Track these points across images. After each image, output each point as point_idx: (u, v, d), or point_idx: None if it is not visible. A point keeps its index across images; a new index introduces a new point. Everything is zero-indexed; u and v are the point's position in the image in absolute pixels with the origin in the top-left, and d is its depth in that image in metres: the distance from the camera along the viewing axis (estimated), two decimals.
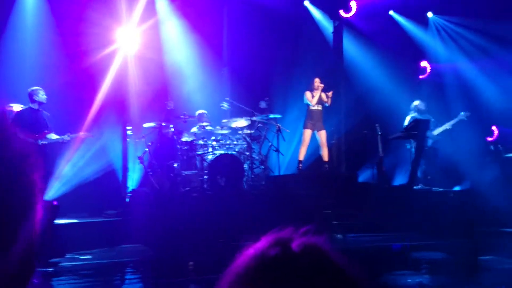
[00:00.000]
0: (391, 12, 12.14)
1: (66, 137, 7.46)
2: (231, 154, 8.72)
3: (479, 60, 11.73)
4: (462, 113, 9.99)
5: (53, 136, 7.45)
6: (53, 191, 7.96)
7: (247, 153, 8.92)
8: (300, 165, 9.47)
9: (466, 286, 5.37)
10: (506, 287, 5.38)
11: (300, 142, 9.53)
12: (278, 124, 9.17)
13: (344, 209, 8.28)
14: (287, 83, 10.78)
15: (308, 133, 9.30)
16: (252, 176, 8.91)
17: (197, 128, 9.10)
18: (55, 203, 6.40)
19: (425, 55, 12.30)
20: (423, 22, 12.38)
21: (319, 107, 9.33)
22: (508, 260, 6.33)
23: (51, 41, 8.91)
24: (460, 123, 10.06)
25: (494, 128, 11.27)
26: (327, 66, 10.95)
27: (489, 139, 11.19)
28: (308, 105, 9.31)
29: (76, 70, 8.86)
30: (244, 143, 9.03)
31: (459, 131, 10.14)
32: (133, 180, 9.04)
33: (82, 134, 7.64)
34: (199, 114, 9.31)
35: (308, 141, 9.35)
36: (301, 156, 9.41)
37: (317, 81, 9.31)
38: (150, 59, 9.70)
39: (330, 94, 9.25)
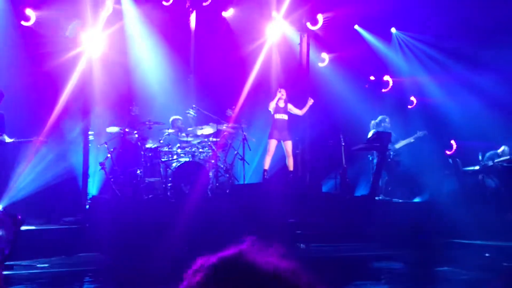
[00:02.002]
0: (356, 27, 12.41)
1: (11, 140, 7.23)
2: (196, 162, 8.66)
3: (439, 75, 12.12)
4: (419, 132, 10.30)
5: (6, 139, 7.22)
6: (10, 195, 7.69)
7: (212, 161, 8.88)
8: (266, 174, 9.50)
9: None
10: None
11: (265, 151, 9.57)
12: (244, 133, 9.17)
13: (308, 219, 8.35)
14: (254, 91, 10.82)
15: (273, 143, 9.34)
16: (217, 184, 8.87)
17: (168, 134, 8.98)
18: (19, 217, 6.11)
19: (388, 69, 12.61)
20: (386, 37, 12.71)
21: (284, 116, 9.40)
22: (464, 271, 6.51)
23: (13, 42, 8.67)
24: (420, 137, 10.36)
25: (452, 142, 11.64)
26: (293, 77, 11.07)
27: (448, 152, 11.55)
28: (273, 114, 9.38)
29: (38, 73, 8.64)
30: (209, 151, 8.99)
31: (419, 144, 10.42)
32: (94, 187, 8.82)
33: (35, 139, 7.41)
34: (173, 120, 9.26)
35: (273, 151, 9.39)
36: (266, 165, 9.45)
37: (282, 91, 9.39)
38: (116, 63, 9.56)
39: (310, 102, 9.43)
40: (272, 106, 9.26)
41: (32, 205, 7.87)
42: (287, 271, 0.85)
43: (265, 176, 9.51)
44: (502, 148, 10.45)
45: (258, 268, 0.83)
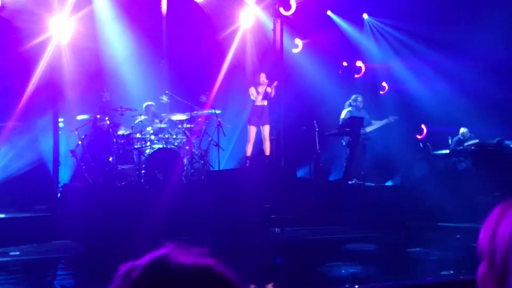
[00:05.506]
0: (328, 12, 12.43)
1: None
2: (170, 148, 8.58)
3: (410, 61, 12.28)
4: (390, 116, 10.40)
5: None
6: None
7: (187, 147, 8.81)
8: (248, 161, 9.49)
9: (395, 275, 5.60)
10: (431, 276, 5.66)
11: (240, 137, 9.55)
12: (218, 119, 9.13)
13: (282, 204, 8.41)
14: (228, 77, 10.76)
15: (253, 129, 9.36)
16: (192, 171, 8.82)
17: (140, 120, 8.79)
18: None
19: (360, 55, 12.71)
20: (358, 23, 12.77)
21: (264, 102, 9.43)
22: (435, 252, 6.68)
23: None
24: (391, 122, 10.49)
25: (423, 126, 11.85)
26: (267, 62, 11.05)
27: (419, 136, 11.76)
28: (253, 100, 9.39)
29: (5, 58, 8.40)
30: (183, 137, 8.91)
31: (390, 128, 10.57)
32: (65, 175, 8.66)
33: (6, 123, 7.24)
34: (146, 106, 9.10)
35: (253, 138, 9.42)
36: (248, 153, 9.47)
37: (262, 76, 9.40)
38: (86, 49, 9.33)
39: (275, 84, 9.38)
40: (260, 96, 9.27)
41: (2, 193, 7.69)
42: (210, 266, 0.88)
43: (247, 164, 9.49)
44: (462, 130, 10.73)
45: (184, 268, 0.83)
